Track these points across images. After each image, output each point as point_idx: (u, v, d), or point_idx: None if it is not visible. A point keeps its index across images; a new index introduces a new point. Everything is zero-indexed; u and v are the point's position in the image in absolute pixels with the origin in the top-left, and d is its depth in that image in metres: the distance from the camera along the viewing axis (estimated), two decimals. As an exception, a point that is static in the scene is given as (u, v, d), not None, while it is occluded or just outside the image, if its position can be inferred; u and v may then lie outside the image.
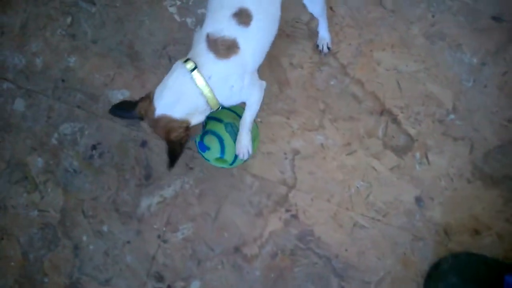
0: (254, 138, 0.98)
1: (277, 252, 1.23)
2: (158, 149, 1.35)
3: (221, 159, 1.00)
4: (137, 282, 1.30)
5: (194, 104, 0.84)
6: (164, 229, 1.31)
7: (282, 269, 1.22)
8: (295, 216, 1.23)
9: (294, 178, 1.25)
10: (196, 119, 0.86)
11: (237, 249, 1.25)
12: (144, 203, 1.37)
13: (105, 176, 1.40)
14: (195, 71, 0.82)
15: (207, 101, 0.85)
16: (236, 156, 0.95)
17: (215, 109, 0.88)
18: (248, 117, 0.92)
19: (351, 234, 1.20)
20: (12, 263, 1.42)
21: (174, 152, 0.83)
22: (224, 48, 0.83)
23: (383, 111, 1.25)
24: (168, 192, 1.32)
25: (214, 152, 0.96)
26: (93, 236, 1.40)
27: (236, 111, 0.99)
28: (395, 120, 1.24)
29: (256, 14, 0.83)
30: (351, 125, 1.24)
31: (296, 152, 1.26)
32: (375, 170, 1.22)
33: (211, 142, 0.95)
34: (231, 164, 1.00)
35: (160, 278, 1.26)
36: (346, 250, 1.20)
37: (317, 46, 1.23)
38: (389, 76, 1.26)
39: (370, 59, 1.29)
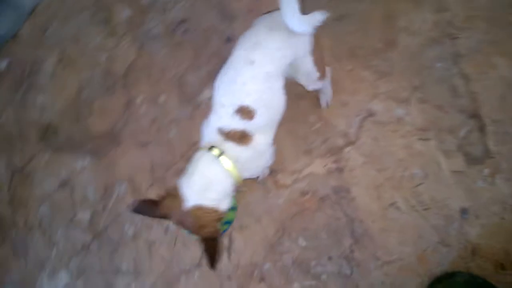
0: (233, 209, 1.06)
1: (308, 192, 1.33)
2: None
3: None
4: (171, 157, 1.44)
5: (224, 188, 0.90)
6: None
7: (305, 209, 1.33)
8: (340, 170, 1.32)
9: (357, 137, 1.32)
10: (225, 205, 0.91)
11: (273, 172, 1.35)
12: (207, 94, 1.48)
13: (182, 53, 1.50)
14: (223, 156, 0.89)
15: (234, 182, 0.92)
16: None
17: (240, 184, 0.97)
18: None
19: (385, 210, 1.28)
20: (66, 92, 1.58)
21: (211, 250, 0.84)
22: (239, 137, 0.92)
23: (475, 116, 1.28)
24: None
25: None
26: (148, 101, 1.53)
27: None
28: (482, 129, 1.28)
29: (258, 108, 0.91)
30: (437, 114, 1.28)
31: (371, 114, 1.32)
32: (438, 165, 1.28)
33: None
34: None
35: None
36: (372, 221, 1.29)
37: (319, 99, 1.35)
38: (498, 84, 1.28)
39: (487, 59, 1.31)
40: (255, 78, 0.91)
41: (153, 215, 0.90)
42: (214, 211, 0.87)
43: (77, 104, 1.64)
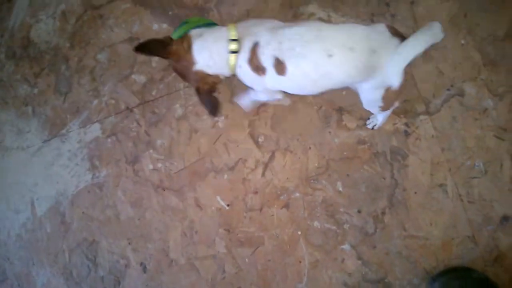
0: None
1: (366, 142, 1.68)
2: None
3: None
4: None
5: (222, 71, 1.24)
6: None
7: (356, 157, 1.69)
8: (407, 134, 1.66)
9: (437, 110, 1.64)
10: (224, 74, 1.26)
11: (340, 109, 1.71)
12: (311, 8, 1.79)
13: None
14: (234, 55, 1.17)
15: (228, 68, 1.22)
16: None
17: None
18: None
19: (432, 188, 1.63)
20: None
21: (210, 100, 1.25)
22: (255, 65, 1.18)
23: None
24: (336, 19, 1.74)
25: None
26: None
27: None
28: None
29: (290, 77, 1.15)
30: None
31: (461, 93, 1.64)
32: (501, 165, 1.61)
33: None
34: None
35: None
36: (415, 193, 1.65)
37: (367, 119, 1.61)
38: None
39: None
40: (316, 61, 1.10)
41: (155, 54, 1.20)
42: (215, 77, 1.24)
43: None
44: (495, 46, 1.55)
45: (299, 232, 1.64)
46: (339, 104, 1.65)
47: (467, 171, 1.55)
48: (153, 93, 1.85)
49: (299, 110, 1.68)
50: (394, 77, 1.07)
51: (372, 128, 1.65)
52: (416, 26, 1.62)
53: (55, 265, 1.88)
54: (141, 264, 1.75)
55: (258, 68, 1.18)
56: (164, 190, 1.77)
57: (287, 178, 1.67)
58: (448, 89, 1.57)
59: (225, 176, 1.72)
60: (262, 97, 1.44)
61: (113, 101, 1.90)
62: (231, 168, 1.72)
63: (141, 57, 1.87)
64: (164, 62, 1.74)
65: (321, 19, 1.71)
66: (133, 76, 1.88)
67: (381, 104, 1.24)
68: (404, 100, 1.58)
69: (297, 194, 1.65)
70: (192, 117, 1.79)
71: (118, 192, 1.82)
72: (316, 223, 1.63)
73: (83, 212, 1.87)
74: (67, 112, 1.97)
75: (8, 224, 1.99)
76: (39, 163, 1.97)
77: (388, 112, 1.49)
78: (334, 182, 1.63)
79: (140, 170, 1.81)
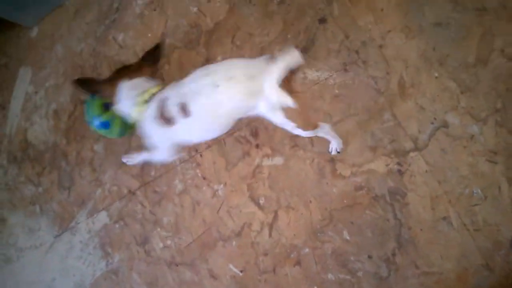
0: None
1: (363, 187, 1.89)
2: (332, 34, 2.03)
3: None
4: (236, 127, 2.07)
5: (124, 107, 1.63)
6: None
7: (357, 203, 1.90)
8: (401, 173, 1.87)
9: (426, 144, 1.85)
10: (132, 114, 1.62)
11: (332, 159, 1.94)
12: None
13: (272, 22, 2.11)
14: (143, 105, 1.56)
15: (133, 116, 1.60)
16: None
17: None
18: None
19: (436, 222, 1.81)
20: (148, 36, 2.26)
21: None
22: (164, 118, 1.50)
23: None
24: (312, 74, 2.02)
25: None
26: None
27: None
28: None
29: (195, 116, 1.43)
30: (511, 140, 1.80)
31: (445, 125, 1.85)
32: (500, 190, 1.79)
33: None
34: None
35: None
36: (421, 230, 1.83)
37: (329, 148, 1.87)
38: None
39: None
40: (207, 94, 1.37)
41: (90, 90, 1.63)
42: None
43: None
44: (468, 73, 1.76)
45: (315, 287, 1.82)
46: (329, 154, 1.88)
47: (467, 199, 1.73)
48: (152, 173, 2.10)
49: (293, 167, 1.90)
50: (272, 94, 1.35)
51: (338, 153, 1.89)
52: (389, 67, 1.86)
53: None
54: None
55: (167, 120, 1.47)
56: (177, 266, 1.97)
57: (294, 235, 1.86)
58: (432, 123, 1.77)
59: (234, 243, 1.93)
60: (158, 156, 1.74)
61: (115, 188, 2.15)
62: (238, 234, 1.93)
63: (135, 142, 2.14)
64: None
65: (298, 78, 1.97)
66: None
67: (293, 124, 1.51)
68: (392, 141, 1.80)
69: (307, 250, 1.84)
70: (192, 190, 2.02)
71: (133, 275, 2.04)
72: (330, 276, 1.81)
73: (100, 302, 2.07)
74: (73, 205, 2.22)
75: (31, 325, 2.20)
76: (54, 258, 2.21)
77: (331, 134, 1.78)
78: (340, 231, 1.82)
79: (152, 250, 2.03)
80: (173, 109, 1.45)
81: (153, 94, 1.53)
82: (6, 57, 2.53)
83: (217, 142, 1.92)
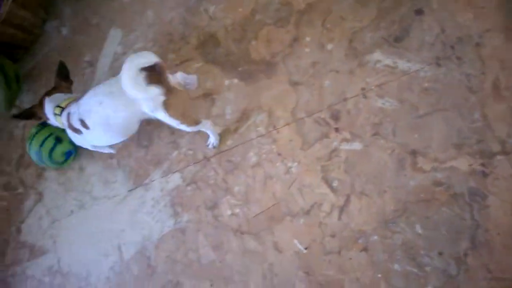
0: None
1: (443, 184, 1.78)
2: (428, 26, 1.89)
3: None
4: (316, 105, 1.98)
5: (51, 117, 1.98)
6: (372, 87, 1.92)
7: (434, 199, 1.78)
8: (484, 175, 1.74)
9: None
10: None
11: (414, 152, 1.83)
12: (376, 56, 1.97)
13: (365, 9, 2.00)
14: (60, 116, 1.91)
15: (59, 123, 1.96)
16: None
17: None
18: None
19: None
20: (240, 10, 2.21)
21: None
22: (73, 128, 1.89)
23: None
24: (402, 64, 1.91)
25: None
26: (316, 44, 2.09)
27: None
28: None
29: (93, 128, 1.79)
30: None
31: None
32: None
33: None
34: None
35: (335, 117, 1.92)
36: (498, 234, 1.70)
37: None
38: None
39: None
40: (96, 111, 1.70)
41: (30, 118, 2.02)
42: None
43: (246, 25, 2.26)
44: None
45: (380, 275, 1.74)
46: (412, 147, 1.78)
47: (553, 210, 1.59)
48: (228, 143, 2.07)
49: (372, 154, 1.82)
50: (126, 81, 1.47)
51: (213, 147, 2.12)
52: (484, 67, 1.73)
53: (142, 306, 2.10)
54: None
55: (75, 130, 1.84)
56: (243, 234, 1.95)
57: (364, 221, 1.79)
58: (528, 129, 1.64)
59: (301, 221, 1.88)
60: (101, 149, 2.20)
61: (191, 152, 2.14)
62: (307, 212, 1.88)
63: (216, 110, 2.12)
64: (238, 114, 1.98)
65: (387, 66, 1.86)
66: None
67: (178, 122, 1.77)
68: (479, 141, 1.68)
69: (375, 237, 1.77)
70: (266, 164, 1.98)
71: (200, 237, 2.03)
72: (396, 266, 1.73)
73: (167, 256, 2.09)
74: (150, 164, 2.24)
75: (97, 268, 2.26)
76: (125, 210, 2.24)
77: (211, 131, 2.03)
78: (412, 224, 1.74)
79: (219, 216, 2.02)
80: (76, 123, 1.80)
81: (63, 108, 1.89)
82: (99, 17, 2.56)
83: (296, 121, 1.85)
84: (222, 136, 2.06)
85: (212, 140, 2.06)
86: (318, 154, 1.88)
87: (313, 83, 1.95)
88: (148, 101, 1.59)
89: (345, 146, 1.83)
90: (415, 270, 1.69)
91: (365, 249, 1.76)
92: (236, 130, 2.03)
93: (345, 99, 1.87)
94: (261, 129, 1.99)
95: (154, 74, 1.49)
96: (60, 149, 2.25)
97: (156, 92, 1.52)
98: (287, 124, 1.94)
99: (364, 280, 1.73)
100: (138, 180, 2.21)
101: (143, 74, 1.46)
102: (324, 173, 1.85)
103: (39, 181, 2.56)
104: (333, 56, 1.91)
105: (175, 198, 2.11)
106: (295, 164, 1.90)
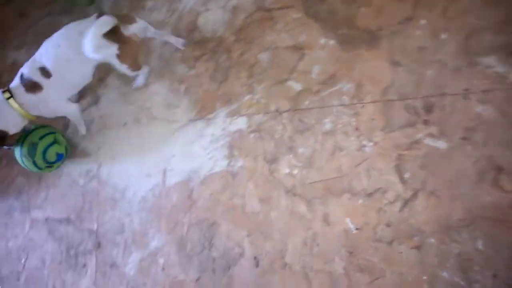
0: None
1: None
2: None
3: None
4: (413, 90, 1.82)
5: (12, 119, 1.92)
6: (476, 91, 1.74)
7: (506, 221, 1.63)
8: None
9: None
10: (14, 130, 1.96)
11: (499, 168, 1.67)
12: (489, 61, 1.78)
13: (493, 8, 1.80)
14: (11, 99, 1.87)
15: (23, 116, 1.93)
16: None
17: (33, 119, 2.00)
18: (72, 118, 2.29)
19: None
20: None
21: None
22: (31, 86, 1.86)
23: None
24: None
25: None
26: (429, 29, 1.90)
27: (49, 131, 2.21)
28: None
29: (55, 74, 1.84)
30: None
31: None
32: None
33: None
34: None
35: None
36: None
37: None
38: None
39: None
40: (57, 55, 1.80)
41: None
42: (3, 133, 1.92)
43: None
44: None
45: (425, 277, 1.63)
46: (499, 162, 1.63)
47: None
48: (306, 102, 1.93)
49: (455, 158, 1.68)
50: (89, 47, 1.71)
51: (137, 87, 2.33)
52: None
53: (172, 233, 2.02)
54: (255, 258, 1.84)
55: (34, 86, 1.87)
56: (295, 196, 1.84)
57: (426, 221, 1.67)
58: None
59: (360, 201, 1.76)
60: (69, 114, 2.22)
61: (264, 101, 2.01)
62: (369, 195, 1.75)
63: (302, 66, 1.96)
64: (325, 76, 1.83)
65: (498, 74, 1.69)
66: (289, 82, 1.98)
67: (125, 65, 2.00)
68: None
69: (432, 240, 1.65)
70: (339, 135, 1.85)
71: (250, 185, 1.92)
72: (444, 273, 1.62)
73: (211, 194, 1.99)
74: (218, 100, 2.11)
75: (136, 185, 2.17)
76: (181, 138, 2.14)
77: (143, 72, 2.26)
78: (475, 238, 1.61)
79: (276, 171, 1.90)
80: (35, 75, 1.85)
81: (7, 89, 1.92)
82: None
83: (385, 101, 1.75)
84: (300, 95, 1.88)
85: (139, 81, 2.34)
86: (398, 141, 1.73)
87: (414, 68, 1.78)
88: (105, 56, 1.84)
89: (429, 141, 1.68)
90: (462, 283, 1.58)
91: (417, 248, 1.64)
92: (317, 92, 1.88)
93: (443, 94, 1.71)
94: (345, 99, 1.84)
95: (111, 33, 1.73)
96: (56, 148, 2.23)
97: (113, 49, 1.81)
98: (374, 101, 1.79)
99: (407, 277, 1.62)
100: (202, 112, 2.10)
101: (103, 38, 1.72)
102: (398, 162, 1.71)
103: (99, 85, 2.46)
104: (444, 47, 1.73)
105: (235, 141, 2.00)
106: (371, 144, 1.76)
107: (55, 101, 1.97)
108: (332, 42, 1.99)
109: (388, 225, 1.72)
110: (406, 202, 1.71)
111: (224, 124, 2.08)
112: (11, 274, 2.41)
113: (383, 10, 1.93)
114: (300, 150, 1.91)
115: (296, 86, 1.99)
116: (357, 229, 1.75)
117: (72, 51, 1.80)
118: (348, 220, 1.77)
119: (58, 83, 1.87)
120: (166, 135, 2.21)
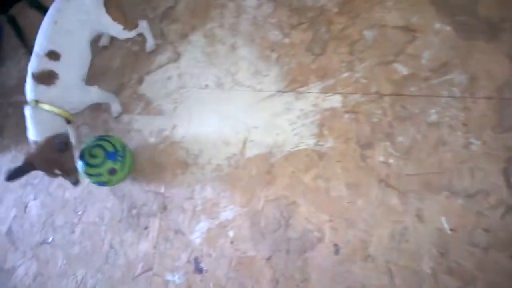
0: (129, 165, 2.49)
1: None
2: None
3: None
4: None
5: (51, 124, 2.08)
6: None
7: None
8: None
9: None
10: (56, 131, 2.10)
11: None
12: None
13: None
14: (40, 104, 2.06)
15: (63, 117, 2.15)
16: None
17: (71, 118, 2.23)
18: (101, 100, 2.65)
19: None
20: None
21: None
22: (46, 77, 2.07)
23: None
24: None
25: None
26: None
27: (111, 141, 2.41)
28: None
29: (63, 53, 2.10)
30: None
31: None
32: None
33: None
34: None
35: None
36: None
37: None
38: None
39: None
40: (58, 32, 2.11)
41: (24, 172, 2.00)
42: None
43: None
44: None
45: (522, 292, 1.85)
46: None
47: None
48: (412, 89, 2.18)
49: None
50: (102, 16, 2.32)
51: (151, 50, 2.97)
52: None
53: (247, 207, 2.34)
54: (335, 245, 2.13)
55: (49, 75, 2.13)
56: (387, 187, 2.10)
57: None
58: None
59: (459, 201, 2.00)
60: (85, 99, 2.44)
61: (365, 81, 2.28)
62: (469, 196, 1.99)
63: (412, 49, 2.21)
64: (436, 63, 2.13)
65: None
66: (395, 64, 2.23)
67: (121, 28, 2.50)
68: None
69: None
70: (445, 128, 2.09)
71: (337, 168, 2.21)
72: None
73: (293, 172, 2.29)
74: (313, 73, 2.40)
75: (212, 152, 2.50)
76: (266, 109, 2.44)
77: (147, 30, 2.85)
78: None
79: (369, 157, 2.17)
80: (44, 63, 2.10)
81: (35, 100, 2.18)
82: None
83: (501, 99, 2.03)
84: (406, 79, 2.18)
85: (150, 43, 2.90)
86: (509, 142, 1.95)
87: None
88: (103, 22, 2.32)
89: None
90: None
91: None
92: (426, 79, 2.13)
93: None
94: (456, 90, 2.07)
95: None
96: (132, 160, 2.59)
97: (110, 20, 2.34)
98: (488, 97, 2.02)
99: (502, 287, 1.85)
100: (293, 85, 2.39)
101: None
102: (507, 165, 1.94)
103: (182, 41, 2.79)
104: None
105: (326, 120, 2.28)
106: (478, 142, 2.00)
107: (76, 85, 2.25)
108: (448, 28, 2.23)
109: (486, 230, 1.96)
110: (509, 209, 1.94)
111: (316, 100, 2.37)
112: (65, 225, 2.81)
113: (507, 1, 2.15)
114: (399, 138, 2.17)
115: (402, 69, 2.24)
116: (451, 230, 2.01)
117: (69, 21, 2.15)
118: (443, 219, 2.03)
119: (69, 61, 2.16)
120: (250, 104, 2.52)
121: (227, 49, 2.69)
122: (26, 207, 2.99)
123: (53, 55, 2.09)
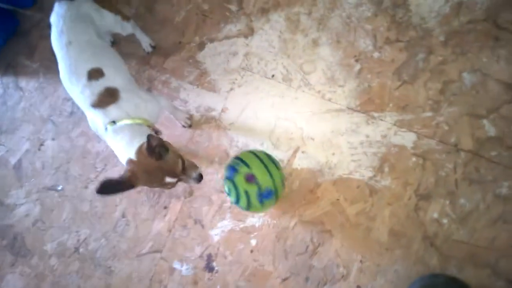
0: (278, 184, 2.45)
1: None
2: None
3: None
4: None
5: (139, 135, 2.21)
6: None
7: None
8: None
9: None
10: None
11: None
12: None
13: None
14: (118, 122, 2.29)
15: (146, 125, 2.36)
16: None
17: (152, 126, 2.46)
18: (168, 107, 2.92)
19: None
20: None
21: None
22: (108, 96, 2.33)
23: None
24: None
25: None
26: None
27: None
28: None
29: (100, 65, 2.37)
30: None
31: None
32: None
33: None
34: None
35: None
36: None
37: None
38: None
39: None
40: (81, 51, 2.39)
41: (121, 189, 2.05)
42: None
43: None
44: None
45: None
46: None
47: None
48: (492, 153, 2.64)
49: None
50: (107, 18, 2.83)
51: (149, 50, 3.48)
52: None
53: (277, 219, 2.79)
54: (358, 287, 2.66)
55: (110, 94, 2.38)
56: (431, 246, 2.59)
57: None
58: None
59: (500, 283, 2.46)
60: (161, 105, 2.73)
61: (446, 128, 2.74)
62: (511, 282, 2.46)
63: (507, 110, 2.66)
64: None
65: None
66: (485, 120, 2.68)
67: (116, 16, 2.90)
68: None
69: None
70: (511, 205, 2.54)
71: (386, 211, 2.69)
72: None
73: (337, 199, 2.78)
74: (393, 101, 2.86)
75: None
76: (329, 123, 2.87)
77: (138, 30, 3.28)
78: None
79: (422, 210, 2.65)
80: (94, 86, 2.36)
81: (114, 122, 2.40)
82: None
83: None
84: (490, 141, 2.66)
85: (144, 40, 3.42)
86: None
87: None
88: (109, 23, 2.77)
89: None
90: None
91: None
92: (511, 148, 2.60)
93: None
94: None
95: None
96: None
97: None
98: None
99: None
100: (368, 106, 2.87)
101: None
102: None
103: (260, 17, 3.28)
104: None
105: (390, 156, 2.76)
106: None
107: (136, 91, 2.49)
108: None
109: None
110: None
111: (387, 131, 2.84)
112: (79, 178, 3.38)
113: None
114: (461, 201, 2.64)
115: (490, 129, 2.66)
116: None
117: (80, 32, 2.52)
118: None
119: (112, 67, 2.45)
120: (313, 112, 2.94)
121: (307, 43, 3.12)
122: (42, 144, 3.46)
123: (96, 74, 2.35)
